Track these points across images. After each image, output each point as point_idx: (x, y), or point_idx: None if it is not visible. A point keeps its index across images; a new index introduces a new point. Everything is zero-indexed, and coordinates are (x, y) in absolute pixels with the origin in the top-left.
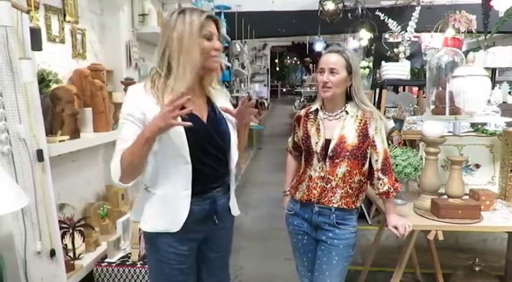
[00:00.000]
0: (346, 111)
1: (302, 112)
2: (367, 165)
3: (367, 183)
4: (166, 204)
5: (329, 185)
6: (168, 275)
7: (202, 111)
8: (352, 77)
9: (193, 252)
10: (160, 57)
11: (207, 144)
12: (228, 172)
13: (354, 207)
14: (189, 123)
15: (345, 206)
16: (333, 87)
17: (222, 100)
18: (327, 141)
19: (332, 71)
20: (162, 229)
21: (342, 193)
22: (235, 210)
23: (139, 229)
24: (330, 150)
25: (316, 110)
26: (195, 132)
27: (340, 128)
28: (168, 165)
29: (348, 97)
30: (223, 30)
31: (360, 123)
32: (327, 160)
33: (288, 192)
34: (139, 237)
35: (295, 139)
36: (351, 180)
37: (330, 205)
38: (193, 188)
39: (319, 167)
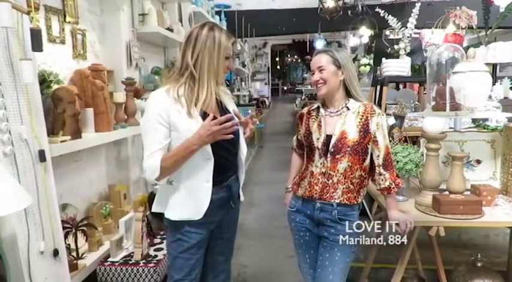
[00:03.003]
0: (347, 107)
1: (305, 110)
2: (368, 161)
3: (368, 178)
4: (190, 195)
5: (330, 181)
6: (187, 253)
7: (216, 112)
8: (343, 70)
9: (210, 233)
10: (186, 67)
11: (223, 140)
12: (238, 162)
13: (355, 202)
14: (231, 136)
15: (346, 202)
16: (325, 83)
17: (229, 102)
18: (328, 137)
19: (320, 69)
20: (187, 217)
21: (343, 188)
22: (241, 196)
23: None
24: (331, 145)
25: (318, 108)
26: None
27: (341, 123)
28: (193, 161)
29: (348, 94)
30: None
31: (361, 119)
32: (328, 156)
33: (290, 189)
34: (142, 236)
35: (299, 137)
36: (352, 176)
37: (332, 201)
38: (214, 179)
39: (321, 163)
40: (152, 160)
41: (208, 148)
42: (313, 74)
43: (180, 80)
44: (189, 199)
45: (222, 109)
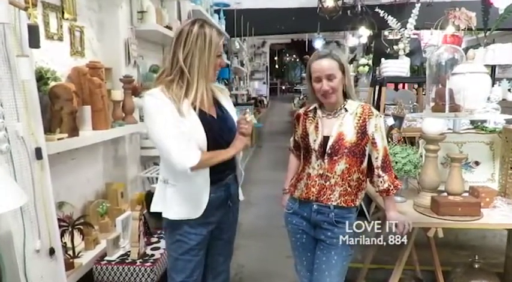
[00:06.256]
0: (345, 108)
1: (301, 110)
2: (365, 163)
3: (366, 181)
4: (188, 194)
5: (328, 183)
6: (188, 254)
7: (212, 111)
8: (346, 74)
9: (209, 234)
10: (176, 64)
11: (219, 138)
12: (235, 161)
13: (353, 205)
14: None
15: (344, 204)
16: (334, 92)
17: (224, 99)
18: (325, 139)
19: (329, 78)
20: (185, 216)
21: (340, 191)
22: (241, 196)
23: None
24: (328, 147)
25: (315, 109)
26: (211, 129)
27: (338, 125)
28: None
29: (346, 94)
30: (222, 27)
31: (359, 120)
32: (326, 157)
33: (287, 190)
34: (139, 235)
35: (296, 138)
36: (349, 178)
37: (329, 203)
38: (211, 177)
39: (318, 165)
40: (187, 151)
41: (204, 147)
42: (320, 81)
43: (171, 79)
44: (187, 198)
45: (218, 106)
